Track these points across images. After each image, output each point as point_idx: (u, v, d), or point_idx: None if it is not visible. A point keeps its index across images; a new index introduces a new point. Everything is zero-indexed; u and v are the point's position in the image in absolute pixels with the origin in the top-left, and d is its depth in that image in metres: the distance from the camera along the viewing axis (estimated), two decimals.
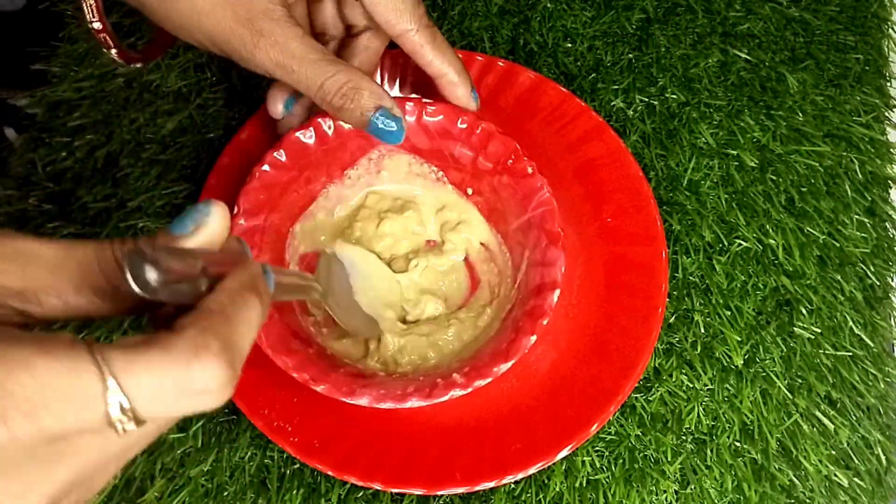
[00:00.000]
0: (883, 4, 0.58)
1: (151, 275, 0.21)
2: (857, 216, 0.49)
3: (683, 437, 0.42)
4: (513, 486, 0.41)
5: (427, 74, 0.40)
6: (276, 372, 0.36)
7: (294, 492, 0.40)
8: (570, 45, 0.54)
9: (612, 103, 0.51)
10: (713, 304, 0.45)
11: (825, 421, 0.43)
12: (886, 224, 0.50)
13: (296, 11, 0.41)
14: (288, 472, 0.41)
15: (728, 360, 0.44)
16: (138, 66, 0.43)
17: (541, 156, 0.45)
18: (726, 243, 0.47)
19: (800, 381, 0.44)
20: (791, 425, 0.43)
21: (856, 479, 0.42)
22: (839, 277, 0.47)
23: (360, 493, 0.41)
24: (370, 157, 0.43)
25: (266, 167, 0.39)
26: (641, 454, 0.42)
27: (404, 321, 0.43)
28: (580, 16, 0.55)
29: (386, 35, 0.40)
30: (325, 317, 0.42)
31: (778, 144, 0.50)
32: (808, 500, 0.42)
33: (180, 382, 0.20)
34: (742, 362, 0.44)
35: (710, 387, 0.43)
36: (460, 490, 0.38)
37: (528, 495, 0.41)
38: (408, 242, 0.45)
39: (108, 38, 0.39)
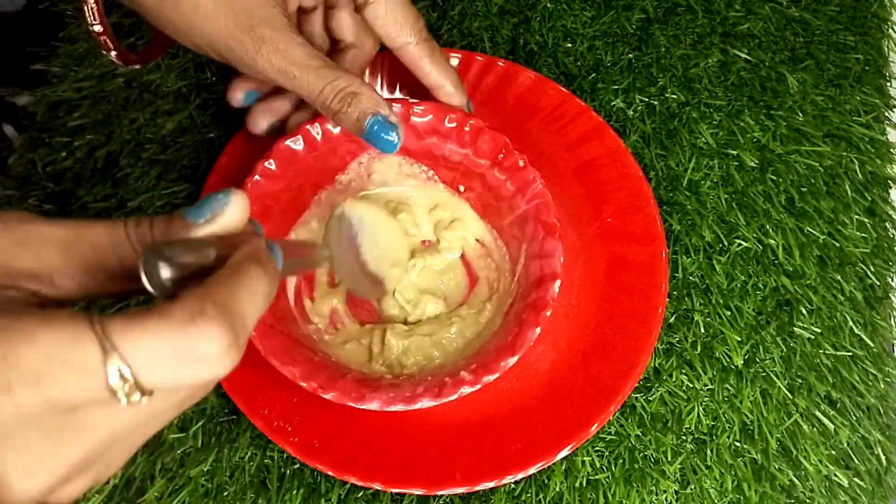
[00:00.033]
0: (883, 4, 0.58)
1: (166, 273, 0.21)
2: (857, 216, 0.49)
3: (683, 437, 0.42)
4: (513, 486, 0.41)
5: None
6: (276, 372, 0.36)
7: (294, 492, 0.40)
8: (570, 45, 0.54)
9: (612, 103, 0.51)
10: (713, 304, 0.45)
11: (825, 421, 0.43)
12: (886, 224, 0.50)
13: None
14: (288, 472, 0.41)
15: (728, 360, 0.44)
16: (138, 66, 0.43)
17: (541, 156, 0.46)
18: (726, 243, 0.47)
19: (800, 381, 0.44)
20: (791, 425, 0.43)
21: (856, 479, 0.42)
22: (839, 277, 0.47)
23: (360, 493, 0.41)
24: (360, 160, 0.43)
25: (257, 177, 0.39)
26: (641, 454, 0.42)
27: (406, 323, 0.43)
28: (580, 16, 0.55)
29: (371, 54, 0.42)
30: (326, 324, 0.42)
31: (778, 144, 0.50)
32: (808, 500, 0.42)
33: (179, 347, 0.20)
34: (742, 362, 0.44)
35: (710, 387, 0.43)
36: (460, 490, 0.38)
37: (528, 495, 0.41)
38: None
39: (108, 40, 0.39)
